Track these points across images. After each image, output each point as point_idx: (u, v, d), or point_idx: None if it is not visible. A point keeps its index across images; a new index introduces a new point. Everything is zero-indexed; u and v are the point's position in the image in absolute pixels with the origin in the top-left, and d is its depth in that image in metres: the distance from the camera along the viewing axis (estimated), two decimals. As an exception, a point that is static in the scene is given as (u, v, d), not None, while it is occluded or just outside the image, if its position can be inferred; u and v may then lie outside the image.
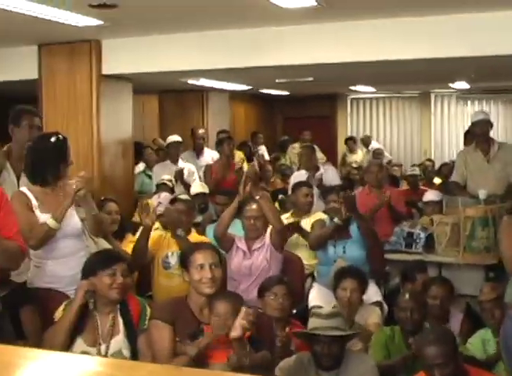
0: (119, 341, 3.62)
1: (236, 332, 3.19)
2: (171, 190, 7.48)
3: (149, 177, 8.61)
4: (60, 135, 4.33)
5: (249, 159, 9.82)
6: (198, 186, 7.44)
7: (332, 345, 3.59)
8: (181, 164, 8.29)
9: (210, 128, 10.11)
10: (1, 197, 3.11)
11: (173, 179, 7.81)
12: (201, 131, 9.30)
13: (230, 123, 11.28)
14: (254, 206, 4.99)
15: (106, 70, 7.40)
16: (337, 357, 3.60)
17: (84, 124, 7.42)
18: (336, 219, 5.33)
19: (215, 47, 6.93)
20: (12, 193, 4.17)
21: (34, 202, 4.18)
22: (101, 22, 6.19)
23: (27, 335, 3.89)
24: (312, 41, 6.53)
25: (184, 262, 3.72)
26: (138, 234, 5.69)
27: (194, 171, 8.30)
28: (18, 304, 4.04)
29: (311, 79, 9.25)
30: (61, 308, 3.71)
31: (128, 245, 5.36)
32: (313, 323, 3.79)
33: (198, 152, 9.11)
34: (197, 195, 7.16)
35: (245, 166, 8.83)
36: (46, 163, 4.21)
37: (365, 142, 13.19)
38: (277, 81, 9.56)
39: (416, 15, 6.03)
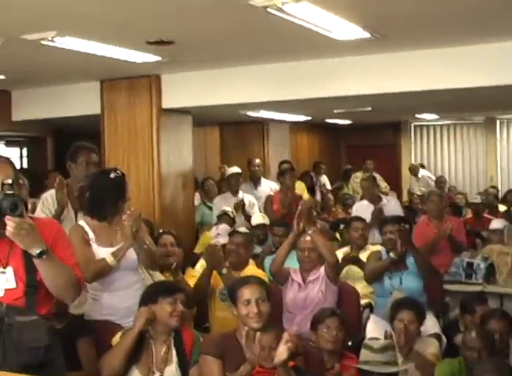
0: (172, 371, 3.68)
1: (279, 358, 3.18)
2: (233, 221, 7.53)
3: (210, 208, 8.69)
4: (119, 172, 4.42)
5: (310, 189, 9.83)
6: (259, 217, 7.47)
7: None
8: (240, 195, 8.36)
9: (270, 159, 10.21)
10: (59, 230, 3.21)
11: (233, 211, 7.87)
12: (257, 160, 9.35)
13: (291, 153, 11.32)
14: (308, 238, 4.99)
15: (165, 104, 7.57)
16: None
17: (145, 158, 7.58)
18: (391, 254, 5.29)
19: (273, 79, 7.02)
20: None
21: (91, 235, 4.28)
22: (159, 58, 6.34)
23: (84, 366, 3.99)
24: (372, 70, 6.55)
25: (232, 297, 3.75)
26: (197, 266, 5.76)
27: (255, 202, 8.34)
28: (75, 336, 4.14)
29: (369, 109, 9.24)
30: (118, 335, 3.80)
31: (188, 279, 5.39)
32: (365, 356, 3.73)
33: (255, 182, 9.13)
34: (257, 226, 7.19)
35: (305, 196, 8.86)
36: (105, 199, 4.31)
37: (414, 170, 12.87)
38: (335, 111, 9.58)
39: (481, 42, 5.99)
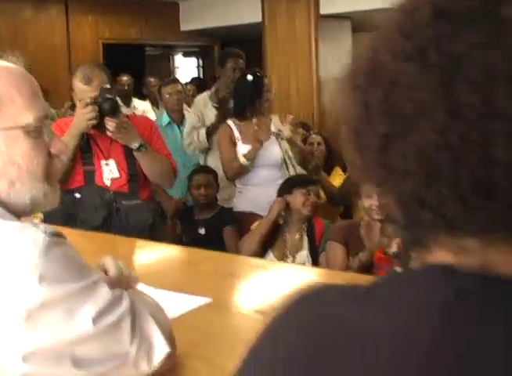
0: (303, 256, 4.03)
1: (392, 248, 3.42)
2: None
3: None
4: (258, 73, 4.73)
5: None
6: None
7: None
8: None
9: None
10: (152, 126, 3.70)
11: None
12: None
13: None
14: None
15: (323, 10, 7.70)
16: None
17: (304, 63, 7.80)
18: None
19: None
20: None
21: (237, 135, 4.64)
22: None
23: (227, 250, 4.44)
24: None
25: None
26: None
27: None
28: (222, 224, 4.62)
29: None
30: (256, 223, 4.19)
31: (335, 178, 5.65)
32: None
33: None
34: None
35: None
36: (243, 99, 4.65)
37: None
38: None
39: None
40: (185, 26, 8.99)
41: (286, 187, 4.19)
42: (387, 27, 0.65)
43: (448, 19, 0.60)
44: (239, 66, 5.20)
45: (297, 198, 4.07)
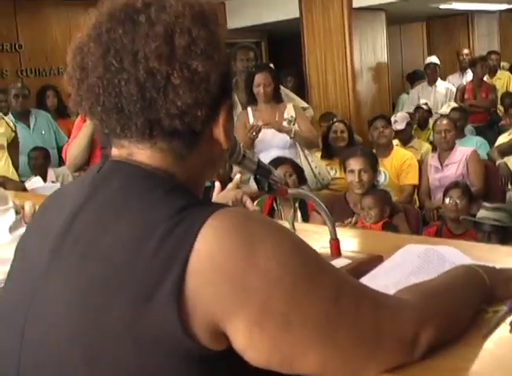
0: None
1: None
2: (428, 113, 7.95)
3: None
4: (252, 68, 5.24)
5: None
6: (444, 108, 7.82)
7: (492, 235, 4.04)
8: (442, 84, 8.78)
9: (476, 51, 10.26)
10: None
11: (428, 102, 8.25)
12: (465, 50, 9.62)
13: (501, 43, 11.16)
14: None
15: (356, 3, 8.09)
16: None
17: (339, 56, 8.21)
18: None
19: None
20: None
21: (251, 120, 5.11)
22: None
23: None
24: None
25: (343, 166, 4.43)
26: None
27: (454, 92, 8.67)
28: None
29: None
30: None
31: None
32: (480, 213, 4.23)
33: (462, 71, 9.43)
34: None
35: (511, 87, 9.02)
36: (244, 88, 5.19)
37: None
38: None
39: None
40: (232, 23, 9.48)
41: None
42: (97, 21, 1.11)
43: (111, 19, 1.08)
44: (249, 57, 5.64)
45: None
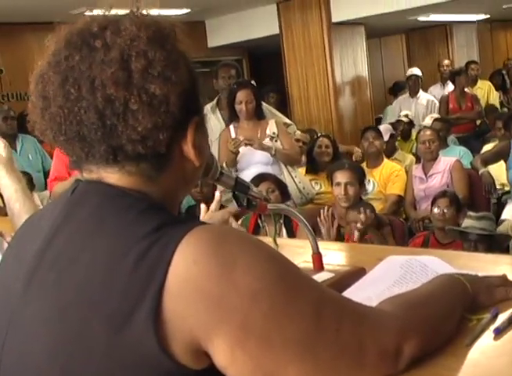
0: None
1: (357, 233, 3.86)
2: (410, 124, 7.96)
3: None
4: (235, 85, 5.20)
5: (501, 88, 9.91)
6: (427, 119, 7.84)
7: (478, 244, 4.05)
8: (423, 96, 8.80)
9: (456, 61, 10.32)
10: None
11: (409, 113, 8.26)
12: (446, 61, 9.70)
13: (480, 53, 11.22)
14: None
15: (335, 18, 8.14)
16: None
17: (320, 70, 8.25)
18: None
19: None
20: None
21: (233, 135, 5.10)
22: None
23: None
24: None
25: (331, 179, 4.43)
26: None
27: (436, 103, 8.71)
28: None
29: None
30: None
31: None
32: (465, 223, 4.24)
33: (443, 82, 9.48)
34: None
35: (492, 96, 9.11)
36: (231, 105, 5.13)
37: None
38: (504, 6, 9.44)
39: None
40: (212, 42, 9.53)
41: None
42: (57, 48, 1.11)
43: (68, 46, 1.07)
44: (230, 74, 5.63)
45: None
